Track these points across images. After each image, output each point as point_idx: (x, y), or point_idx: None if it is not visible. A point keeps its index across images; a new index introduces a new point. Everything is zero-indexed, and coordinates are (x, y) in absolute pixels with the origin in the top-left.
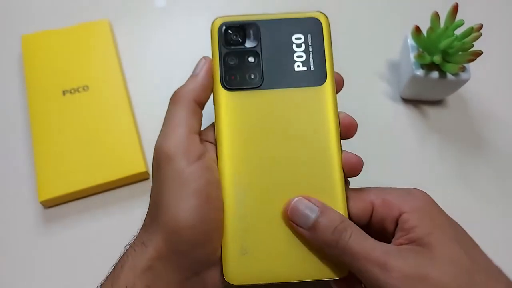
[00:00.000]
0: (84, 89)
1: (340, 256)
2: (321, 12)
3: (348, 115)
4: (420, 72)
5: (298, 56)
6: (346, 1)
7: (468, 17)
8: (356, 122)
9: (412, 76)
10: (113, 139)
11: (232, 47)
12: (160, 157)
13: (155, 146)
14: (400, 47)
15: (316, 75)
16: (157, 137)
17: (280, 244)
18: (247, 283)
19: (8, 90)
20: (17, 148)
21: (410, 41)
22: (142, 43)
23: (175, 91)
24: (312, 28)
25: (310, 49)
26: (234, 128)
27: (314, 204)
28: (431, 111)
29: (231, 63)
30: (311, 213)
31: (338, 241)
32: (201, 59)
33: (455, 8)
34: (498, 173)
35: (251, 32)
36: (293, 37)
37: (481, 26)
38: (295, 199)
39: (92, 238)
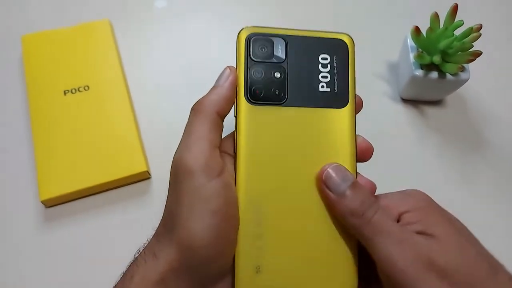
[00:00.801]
0: (85, 89)
1: (361, 227)
2: (347, 34)
3: (365, 139)
4: (419, 72)
5: (323, 77)
6: (346, 1)
7: (467, 18)
8: (373, 147)
9: (411, 76)
10: (114, 138)
11: (260, 60)
12: (180, 169)
13: (175, 157)
14: (399, 47)
15: (339, 97)
16: (157, 137)
17: (293, 264)
18: None
19: (8, 90)
20: (18, 148)
21: (410, 42)
22: (143, 43)
23: (198, 101)
24: (338, 49)
25: (335, 71)
26: (254, 143)
27: (349, 174)
28: (431, 111)
29: (257, 76)
30: (344, 182)
31: (365, 213)
32: (225, 69)
33: (455, 9)
34: (498, 172)
35: (279, 46)
36: (320, 57)
37: (480, 27)
38: (333, 165)
39: (93, 237)
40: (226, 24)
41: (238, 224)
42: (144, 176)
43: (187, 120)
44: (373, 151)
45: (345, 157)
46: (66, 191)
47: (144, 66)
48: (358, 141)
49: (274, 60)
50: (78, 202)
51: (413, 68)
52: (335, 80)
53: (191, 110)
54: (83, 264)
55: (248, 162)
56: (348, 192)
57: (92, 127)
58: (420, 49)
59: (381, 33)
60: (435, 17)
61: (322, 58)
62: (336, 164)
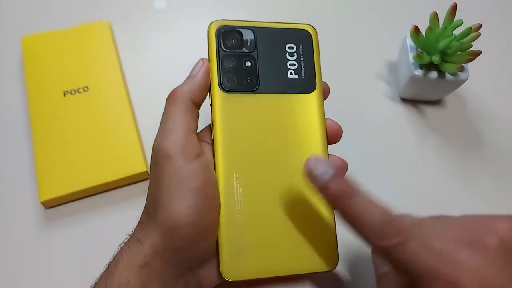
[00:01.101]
0: (84, 90)
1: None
2: (310, 25)
3: (335, 121)
4: (419, 72)
5: (291, 64)
6: (346, 1)
7: (466, 17)
8: (342, 129)
9: (411, 76)
10: (114, 139)
11: (230, 50)
12: (158, 155)
13: (154, 145)
14: (399, 47)
15: (306, 83)
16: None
17: (274, 241)
18: (243, 279)
19: (8, 91)
20: (18, 149)
21: (409, 41)
22: (142, 44)
23: (172, 91)
24: (303, 39)
25: (302, 59)
26: (230, 129)
27: (329, 165)
28: (430, 111)
29: (229, 65)
30: (329, 170)
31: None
32: (198, 61)
33: (454, 8)
34: (497, 172)
35: (248, 37)
36: (287, 46)
37: (479, 26)
38: (314, 158)
39: (93, 238)
40: None
41: (219, 205)
42: (144, 177)
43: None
44: (342, 132)
45: (316, 138)
46: (66, 192)
47: (144, 67)
48: (328, 123)
49: (244, 50)
50: (78, 203)
51: (413, 68)
52: (302, 68)
53: (166, 100)
54: (83, 264)
55: (225, 146)
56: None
57: (92, 128)
58: (419, 49)
59: (380, 33)
60: (435, 17)
61: (289, 47)
62: (315, 157)
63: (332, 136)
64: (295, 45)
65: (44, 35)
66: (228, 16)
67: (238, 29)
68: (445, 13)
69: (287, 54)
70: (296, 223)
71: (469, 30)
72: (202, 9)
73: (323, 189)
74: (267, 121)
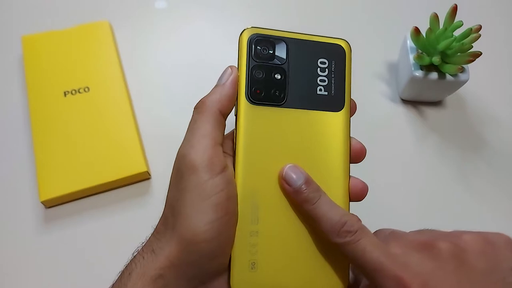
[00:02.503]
0: (85, 90)
1: (309, 211)
2: (345, 40)
3: (359, 141)
4: (419, 73)
5: (321, 80)
6: (346, 2)
7: (467, 18)
8: (365, 149)
9: (411, 77)
10: (114, 139)
11: (261, 61)
12: (183, 166)
13: (179, 154)
14: (399, 48)
15: (335, 101)
16: (156, 137)
17: (286, 259)
18: None
19: (9, 91)
20: (18, 149)
21: (409, 42)
22: (143, 44)
23: (201, 100)
24: (336, 54)
25: (333, 75)
26: (253, 142)
27: (301, 173)
28: (430, 111)
29: (258, 76)
30: (301, 177)
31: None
32: (227, 68)
33: (454, 9)
34: (497, 173)
35: (280, 48)
36: (319, 61)
37: (480, 27)
38: (290, 165)
39: (93, 237)
40: (226, 24)
41: (237, 220)
42: (144, 177)
43: (190, 119)
44: (366, 152)
45: (339, 158)
46: (66, 191)
47: (144, 67)
48: (352, 143)
49: (275, 61)
50: (78, 203)
51: (413, 69)
52: (332, 84)
53: (194, 109)
54: (83, 264)
55: (246, 160)
56: (303, 187)
57: (92, 128)
58: (419, 50)
59: (381, 34)
60: (435, 17)
61: (321, 62)
62: (291, 165)
63: (356, 156)
64: (327, 60)
65: (44, 35)
66: (228, 16)
67: (272, 39)
68: (445, 14)
69: (319, 69)
70: (309, 243)
71: (470, 31)
72: (202, 9)
73: (294, 193)
74: (291, 137)
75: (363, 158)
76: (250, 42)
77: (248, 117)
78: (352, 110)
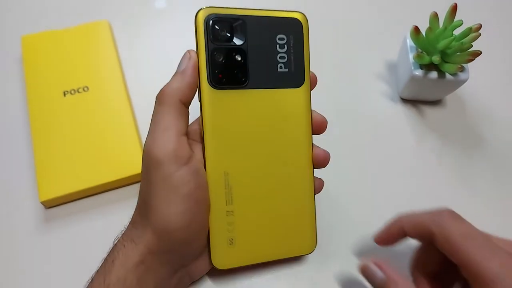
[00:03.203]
0: (84, 89)
1: None
2: (301, 13)
3: (320, 114)
4: (419, 72)
5: (281, 57)
6: (346, 1)
7: (466, 18)
8: (326, 120)
9: (411, 76)
10: (114, 139)
11: (220, 43)
12: (149, 161)
13: (144, 149)
14: (399, 47)
15: (295, 77)
16: None
17: (261, 230)
18: (233, 267)
19: (8, 91)
20: (17, 149)
21: (409, 42)
22: (142, 43)
23: (161, 90)
24: (294, 29)
25: (292, 51)
26: (219, 126)
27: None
28: (430, 111)
29: (219, 59)
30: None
31: None
32: (185, 53)
33: (454, 9)
34: (497, 172)
35: (239, 28)
36: (277, 37)
37: (479, 27)
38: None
39: (93, 238)
40: None
41: (209, 207)
42: None
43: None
44: (327, 123)
45: (302, 132)
46: (66, 192)
47: (144, 67)
48: (313, 115)
49: (234, 42)
50: (78, 203)
51: (413, 68)
52: (292, 61)
53: (155, 100)
54: (83, 264)
55: (215, 144)
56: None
57: (92, 127)
58: (419, 49)
59: (380, 33)
60: (435, 17)
61: (279, 39)
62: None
63: (318, 127)
64: (285, 36)
65: (44, 34)
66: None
67: (229, 19)
68: (445, 13)
69: (278, 46)
70: (280, 212)
71: (469, 30)
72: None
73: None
74: (256, 118)
75: (325, 129)
76: (207, 23)
77: (212, 102)
78: (312, 83)
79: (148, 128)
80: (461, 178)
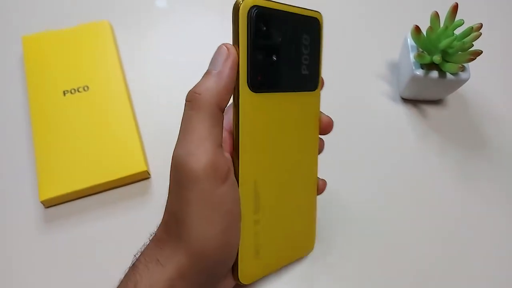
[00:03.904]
0: (84, 89)
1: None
2: (319, 12)
3: (327, 115)
4: (420, 72)
5: (304, 59)
6: (346, 1)
7: (467, 17)
8: (333, 122)
9: (412, 76)
10: (114, 138)
11: (262, 41)
12: (183, 175)
13: (176, 160)
14: (399, 47)
15: (312, 80)
16: (156, 137)
17: (278, 238)
18: (256, 280)
19: (9, 90)
20: (18, 148)
21: (410, 41)
22: (143, 43)
23: (195, 93)
24: (313, 29)
25: (312, 53)
26: (256, 135)
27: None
28: (431, 110)
29: (259, 59)
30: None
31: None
32: (221, 48)
33: (455, 8)
34: (498, 172)
35: (277, 23)
36: (303, 37)
37: (480, 26)
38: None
39: (93, 237)
40: (226, 24)
41: (241, 218)
42: (144, 176)
43: (183, 114)
44: (333, 125)
45: (313, 134)
46: (66, 191)
47: (144, 66)
48: (321, 116)
49: (273, 40)
50: (78, 202)
51: (414, 67)
52: (311, 63)
53: (187, 102)
54: (83, 264)
55: (250, 154)
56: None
57: (92, 127)
58: (420, 49)
59: (381, 32)
60: (435, 16)
61: (304, 39)
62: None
63: (325, 128)
64: (309, 36)
65: (44, 34)
66: (228, 15)
67: (272, 13)
68: (446, 12)
69: (303, 47)
70: (293, 216)
71: (470, 30)
72: (203, 8)
73: None
74: (283, 123)
75: (331, 130)
76: (250, 16)
77: (251, 108)
78: (322, 86)
79: (178, 135)
80: (463, 177)
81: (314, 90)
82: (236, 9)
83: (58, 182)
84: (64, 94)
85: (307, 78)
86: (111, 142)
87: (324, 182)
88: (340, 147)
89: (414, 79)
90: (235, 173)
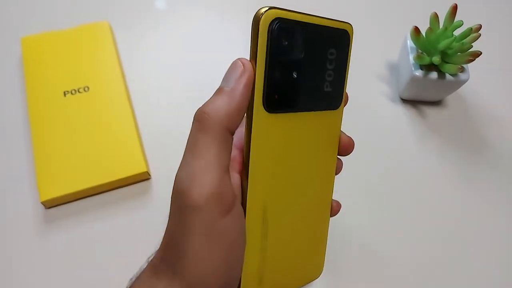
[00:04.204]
0: (84, 90)
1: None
2: (350, 23)
3: (347, 135)
4: (419, 73)
5: (328, 75)
6: (346, 1)
7: (467, 18)
8: (353, 142)
9: (411, 76)
10: (114, 139)
11: (283, 56)
12: (185, 202)
13: (178, 186)
14: (399, 48)
15: (335, 98)
16: (156, 137)
17: (284, 263)
18: None
19: (8, 91)
20: (18, 149)
21: (409, 42)
22: (142, 44)
23: (204, 111)
24: (342, 43)
25: (337, 68)
26: (268, 158)
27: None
28: (430, 111)
29: (277, 76)
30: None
31: None
32: (236, 64)
33: (454, 9)
34: (498, 172)
35: (299, 37)
36: (328, 52)
37: (480, 27)
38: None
39: (93, 238)
40: (226, 24)
41: (245, 247)
42: (144, 177)
43: (190, 132)
44: (354, 145)
45: (331, 156)
46: (66, 192)
47: (144, 67)
48: (341, 136)
49: (294, 56)
50: (78, 203)
51: (413, 68)
52: (336, 79)
53: (194, 121)
54: (83, 264)
55: (260, 178)
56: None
57: (92, 128)
58: (419, 50)
59: (381, 33)
60: (435, 17)
61: (330, 53)
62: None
63: (345, 149)
64: (335, 50)
65: (44, 35)
66: (228, 15)
67: (295, 26)
68: (445, 13)
69: (328, 62)
70: (303, 239)
71: (470, 31)
72: (202, 8)
73: None
74: (299, 144)
75: (351, 151)
76: (272, 30)
77: (265, 130)
78: (345, 103)
79: (183, 154)
80: (462, 178)
81: (336, 108)
82: (256, 22)
83: (59, 183)
84: (65, 94)
85: (329, 96)
86: (111, 143)
87: (338, 204)
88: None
89: (414, 80)
90: (242, 196)
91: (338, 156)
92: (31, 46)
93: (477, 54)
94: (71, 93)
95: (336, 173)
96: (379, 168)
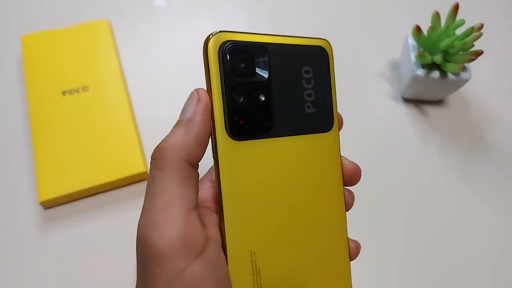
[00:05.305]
0: (84, 89)
1: None
2: (325, 39)
3: (351, 161)
4: (421, 72)
5: (308, 95)
6: (346, 1)
7: (468, 17)
8: (360, 169)
9: (413, 76)
10: (113, 139)
11: (240, 79)
12: (147, 253)
13: (139, 235)
14: (400, 47)
15: (324, 119)
16: (155, 137)
17: None
18: None
19: (8, 90)
20: (17, 149)
21: (411, 41)
22: (142, 43)
23: (160, 147)
24: (319, 59)
25: (319, 87)
26: (243, 191)
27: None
28: (432, 110)
29: (238, 100)
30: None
31: None
32: (192, 94)
33: (456, 8)
34: (499, 172)
35: (261, 58)
36: (303, 70)
37: (481, 26)
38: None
39: (92, 238)
40: (225, 23)
41: None
42: (143, 177)
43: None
44: (360, 173)
45: (334, 186)
46: (65, 192)
47: (143, 66)
48: (344, 163)
49: (257, 78)
50: (77, 203)
51: (415, 67)
52: (319, 98)
53: (151, 160)
54: (82, 265)
55: (238, 215)
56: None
57: (91, 127)
58: (421, 49)
59: (382, 32)
60: (436, 16)
61: (305, 72)
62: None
63: (350, 178)
64: (311, 68)
65: (43, 34)
66: (228, 14)
67: (250, 47)
68: (447, 12)
69: (304, 81)
70: (308, 274)
71: (471, 30)
72: (202, 7)
73: None
74: (284, 174)
75: (359, 180)
76: (223, 53)
77: (232, 159)
78: (339, 124)
79: (143, 202)
80: (463, 177)
81: (327, 130)
82: (205, 47)
83: (58, 183)
84: (64, 94)
85: (315, 117)
86: (111, 143)
87: (356, 245)
88: (341, 147)
89: (415, 79)
90: (222, 239)
91: (346, 187)
92: (31, 44)
93: (479, 53)
94: (70, 93)
95: (347, 209)
96: (381, 167)
